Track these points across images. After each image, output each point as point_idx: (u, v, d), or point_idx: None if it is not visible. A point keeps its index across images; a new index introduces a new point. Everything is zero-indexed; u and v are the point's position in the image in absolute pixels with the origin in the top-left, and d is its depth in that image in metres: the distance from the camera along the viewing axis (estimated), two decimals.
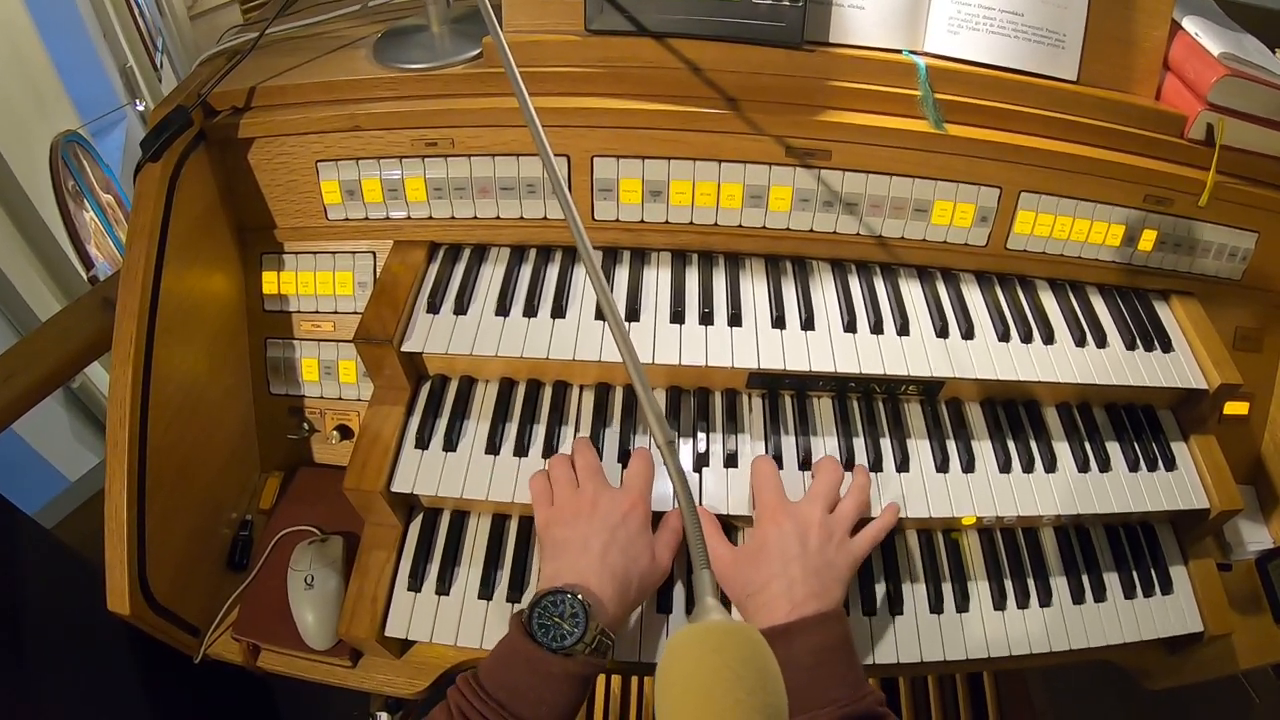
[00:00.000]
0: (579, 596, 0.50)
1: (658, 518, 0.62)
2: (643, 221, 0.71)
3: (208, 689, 0.87)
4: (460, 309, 0.69)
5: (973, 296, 0.73)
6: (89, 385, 1.37)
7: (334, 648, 0.68)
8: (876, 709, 0.51)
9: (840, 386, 0.69)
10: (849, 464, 0.66)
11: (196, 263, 0.71)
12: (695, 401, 0.69)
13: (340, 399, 0.76)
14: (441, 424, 0.68)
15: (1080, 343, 0.71)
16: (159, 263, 0.65)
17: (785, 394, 0.70)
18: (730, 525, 0.67)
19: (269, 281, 0.77)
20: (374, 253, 0.75)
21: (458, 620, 0.65)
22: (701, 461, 0.66)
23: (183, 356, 0.68)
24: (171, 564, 0.65)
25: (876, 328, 0.68)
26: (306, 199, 0.74)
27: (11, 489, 1.12)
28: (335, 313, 0.76)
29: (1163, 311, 0.77)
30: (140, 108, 1.61)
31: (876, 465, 0.66)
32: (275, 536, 0.74)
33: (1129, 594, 0.70)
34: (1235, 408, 0.81)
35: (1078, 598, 0.69)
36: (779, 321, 0.68)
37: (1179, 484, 0.71)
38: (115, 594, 0.60)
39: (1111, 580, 0.70)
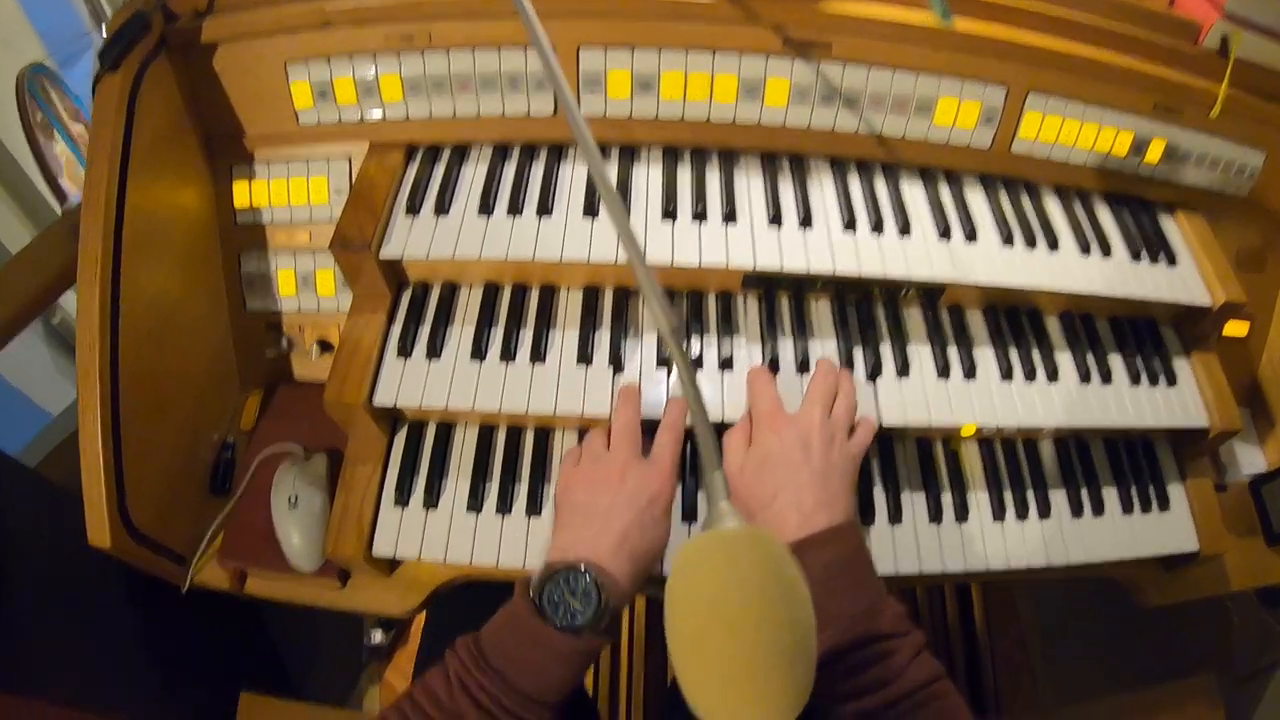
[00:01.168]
0: (593, 576, 0.47)
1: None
2: (631, 117, 0.67)
3: (203, 615, 0.86)
4: (441, 210, 0.65)
5: (976, 199, 0.70)
6: (68, 320, 1.33)
7: (322, 569, 0.66)
8: (897, 625, 0.48)
9: (839, 288, 0.67)
10: (848, 366, 0.64)
11: (163, 176, 0.67)
12: (689, 304, 0.67)
13: (319, 311, 0.73)
14: (424, 331, 0.65)
15: (1085, 250, 0.69)
16: (123, 178, 0.62)
17: (782, 295, 0.67)
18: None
19: (240, 193, 0.73)
20: (349, 157, 0.72)
21: (446, 535, 0.63)
22: (695, 365, 0.63)
23: (153, 275, 0.65)
24: (152, 492, 0.63)
25: (877, 227, 0.65)
26: (276, 104, 0.70)
27: None
28: (310, 222, 0.73)
29: (1168, 225, 0.75)
30: None
31: (876, 370, 0.64)
32: (257, 457, 0.72)
33: (1127, 509, 0.69)
34: (1234, 328, 0.79)
35: (1076, 511, 0.68)
36: (776, 219, 0.65)
37: (1180, 401, 0.70)
38: (95, 527, 0.58)
39: (1110, 495, 0.69)
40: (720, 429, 0.63)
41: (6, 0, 1.36)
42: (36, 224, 1.33)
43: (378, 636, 1.09)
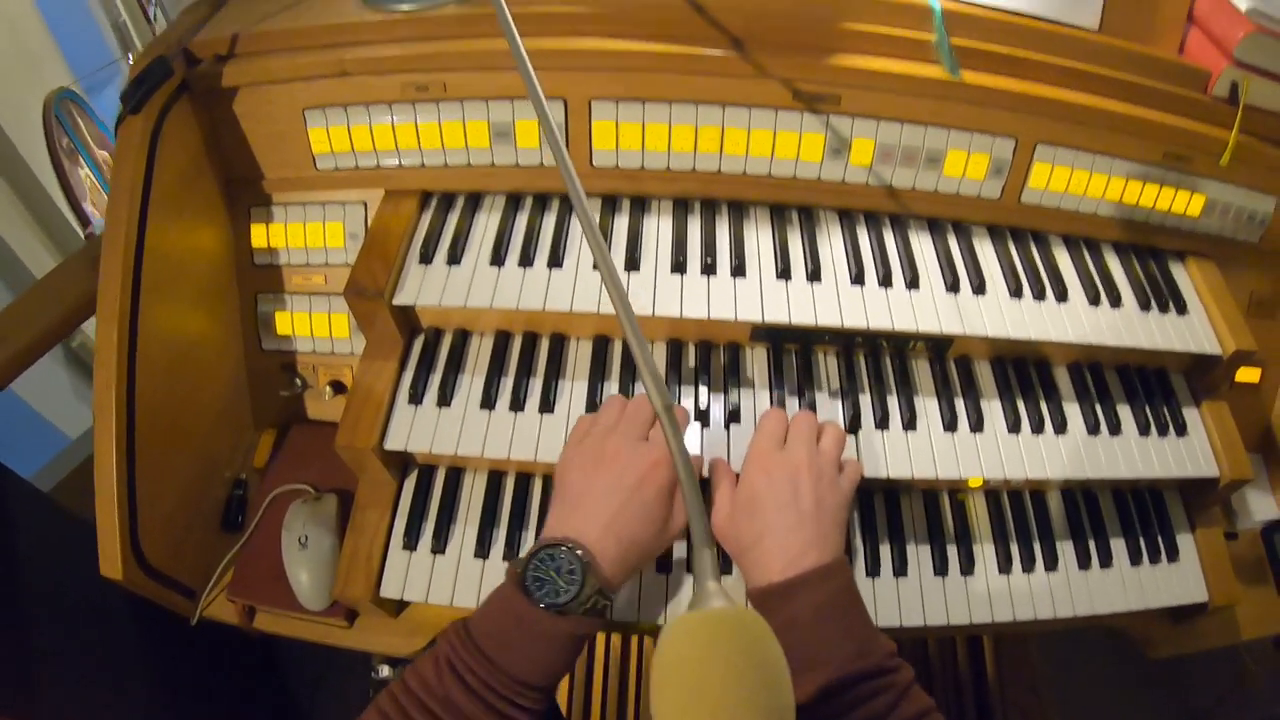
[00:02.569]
0: (577, 552, 0.47)
1: None
2: (643, 168, 0.68)
3: (212, 647, 0.86)
4: (454, 259, 0.66)
5: (985, 251, 0.70)
6: (88, 343, 1.35)
7: (330, 608, 0.67)
8: (885, 663, 0.48)
9: (847, 341, 0.67)
10: (855, 419, 0.64)
11: (182, 217, 0.69)
12: (697, 355, 0.67)
13: (333, 353, 0.74)
14: (435, 379, 0.66)
15: (1094, 301, 0.69)
16: (143, 218, 0.63)
17: (790, 348, 0.68)
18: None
19: (258, 235, 0.75)
20: (365, 202, 0.73)
21: (453, 580, 0.63)
22: (703, 418, 0.64)
23: (170, 314, 0.67)
24: (164, 526, 0.64)
25: (885, 281, 0.66)
26: (294, 149, 0.72)
27: (12, 448, 1.13)
28: (326, 265, 0.74)
29: (1178, 273, 0.75)
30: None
31: (883, 423, 0.64)
32: (269, 495, 0.73)
33: (1135, 561, 0.69)
34: (1247, 374, 0.79)
35: (1083, 563, 0.67)
36: (784, 273, 0.65)
37: (1189, 450, 0.69)
38: (107, 559, 0.59)
39: (1118, 546, 0.69)
40: None
41: (36, 26, 1.39)
42: (59, 247, 1.35)
43: (385, 671, 1.09)
